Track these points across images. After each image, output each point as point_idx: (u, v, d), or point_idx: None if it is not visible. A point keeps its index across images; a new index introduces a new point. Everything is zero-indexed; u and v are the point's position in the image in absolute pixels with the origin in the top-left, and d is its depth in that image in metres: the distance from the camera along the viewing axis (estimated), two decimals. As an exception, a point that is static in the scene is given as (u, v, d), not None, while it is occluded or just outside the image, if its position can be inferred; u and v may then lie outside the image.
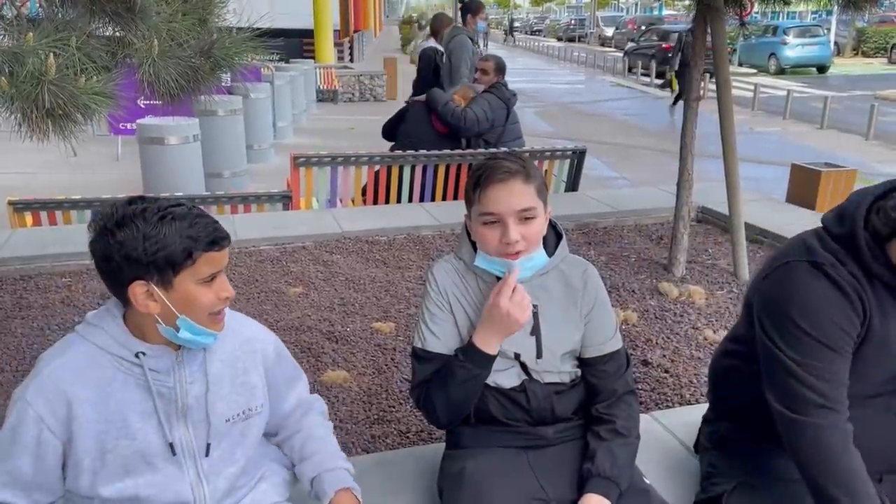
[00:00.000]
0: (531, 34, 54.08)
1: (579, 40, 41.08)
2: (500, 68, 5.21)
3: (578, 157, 5.50)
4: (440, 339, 1.73)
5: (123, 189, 6.19)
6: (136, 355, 1.39)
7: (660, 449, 2.13)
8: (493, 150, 5.08)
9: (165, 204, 1.36)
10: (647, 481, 1.75)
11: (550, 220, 1.74)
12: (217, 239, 1.36)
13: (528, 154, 5.21)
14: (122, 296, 1.37)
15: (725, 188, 3.97)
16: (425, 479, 1.98)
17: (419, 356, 1.75)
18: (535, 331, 1.72)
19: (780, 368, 1.54)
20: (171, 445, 1.42)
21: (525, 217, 1.62)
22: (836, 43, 25.43)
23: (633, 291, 3.76)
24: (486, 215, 1.63)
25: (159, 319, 1.37)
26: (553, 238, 1.77)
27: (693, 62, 3.75)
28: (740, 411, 1.77)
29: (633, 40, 25.70)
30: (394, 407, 2.68)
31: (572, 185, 5.65)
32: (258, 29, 2.88)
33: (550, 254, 1.73)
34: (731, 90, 3.85)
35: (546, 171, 5.41)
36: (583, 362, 1.78)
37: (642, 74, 21.32)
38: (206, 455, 1.46)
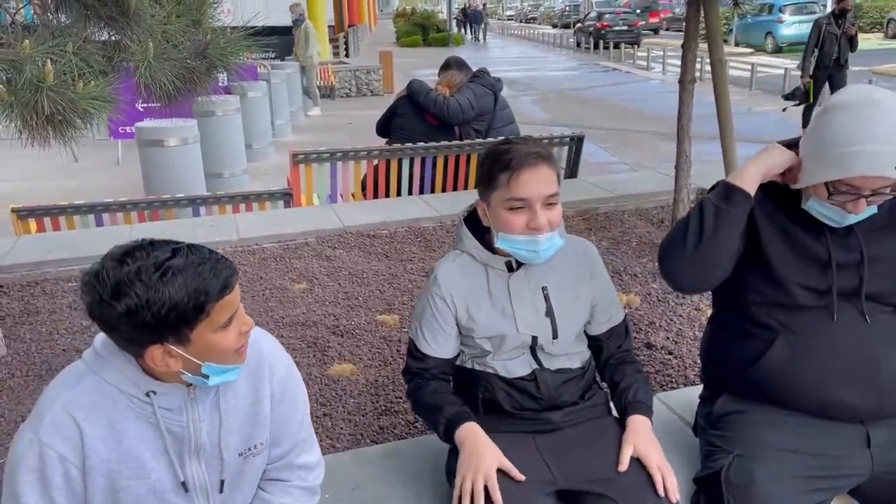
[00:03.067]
0: (526, 22, 53.82)
1: (574, 26, 40.89)
2: (460, 65, 5.21)
3: (577, 143, 5.51)
4: (431, 346, 1.78)
5: (126, 192, 6.22)
6: (147, 394, 1.33)
7: (664, 430, 2.14)
8: (489, 139, 5.09)
9: (162, 258, 1.23)
10: None
11: None
12: (227, 283, 1.27)
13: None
14: (137, 355, 1.30)
15: (724, 169, 3.98)
16: (434, 467, 2.00)
17: (412, 353, 1.81)
18: (550, 312, 1.76)
19: None
20: (184, 483, 1.38)
21: (549, 203, 1.66)
22: (832, 19, 25.27)
23: (635, 275, 3.78)
24: (514, 200, 1.64)
25: (184, 372, 1.31)
26: None
27: (686, 45, 3.75)
28: (731, 381, 1.82)
29: (579, 20, 32.40)
30: (401, 398, 2.70)
31: (571, 171, 5.66)
32: (252, 28, 2.89)
33: None
34: (727, 71, 3.86)
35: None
36: (591, 337, 1.86)
37: (586, 48, 26.82)
38: (220, 492, 1.43)
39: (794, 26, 21.81)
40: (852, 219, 1.61)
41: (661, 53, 20.27)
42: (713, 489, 1.71)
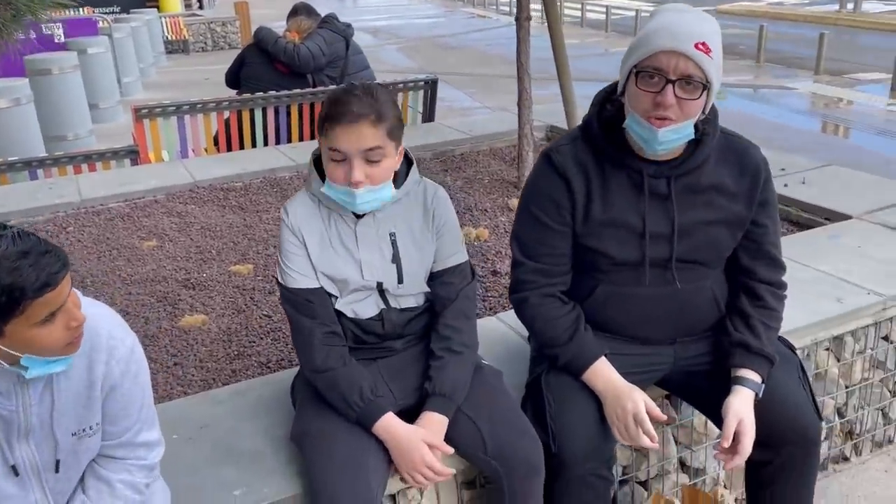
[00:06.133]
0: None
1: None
2: (309, 12, 5.15)
3: (431, 86, 5.58)
4: (303, 275, 1.76)
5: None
6: None
7: (502, 343, 2.32)
8: (343, 85, 5.07)
9: None
10: (485, 361, 1.93)
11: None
12: (49, 280, 1.18)
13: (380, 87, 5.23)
14: None
15: (563, 106, 4.18)
16: (282, 400, 2.07)
17: (287, 297, 1.78)
18: (396, 259, 1.79)
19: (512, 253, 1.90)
20: (14, 467, 1.35)
21: (370, 159, 1.66)
22: (680, -38, 26.43)
23: (485, 210, 3.94)
24: (333, 151, 1.66)
25: (2, 361, 1.24)
26: (405, 165, 1.82)
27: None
28: None
29: None
30: (254, 342, 2.73)
31: (428, 115, 5.74)
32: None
33: (402, 181, 1.79)
34: (558, 9, 4.02)
35: (402, 103, 5.45)
36: (430, 276, 1.86)
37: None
38: (56, 471, 1.39)
39: (644, -31, 22.69)
40: (663, 137, 1.65)
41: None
42: (536, 391, 1.88)
